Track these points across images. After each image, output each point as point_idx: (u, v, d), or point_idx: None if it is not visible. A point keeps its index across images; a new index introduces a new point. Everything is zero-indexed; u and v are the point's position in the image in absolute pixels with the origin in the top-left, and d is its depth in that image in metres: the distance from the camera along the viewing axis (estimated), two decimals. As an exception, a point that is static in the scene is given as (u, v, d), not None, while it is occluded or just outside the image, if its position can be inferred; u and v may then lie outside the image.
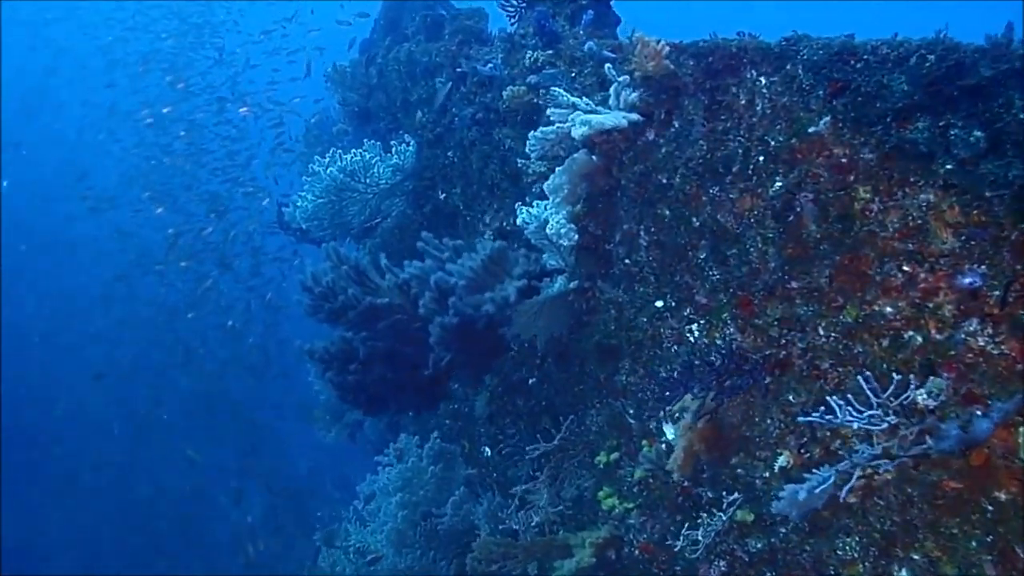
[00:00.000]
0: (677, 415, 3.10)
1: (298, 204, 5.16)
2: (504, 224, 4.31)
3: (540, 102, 3.68)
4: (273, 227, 6.33)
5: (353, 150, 4.98)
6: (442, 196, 4.96)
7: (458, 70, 4.49)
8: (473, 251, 3.51)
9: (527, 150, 3.20)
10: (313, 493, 10.24)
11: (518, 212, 3.41)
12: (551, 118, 3.06)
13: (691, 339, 2.95)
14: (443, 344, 3.25)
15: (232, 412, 11.57)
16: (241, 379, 11.71)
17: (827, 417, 2.08)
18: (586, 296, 3.52)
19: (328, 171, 4.92)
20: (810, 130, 2.42)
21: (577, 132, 2.80)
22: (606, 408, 3.59)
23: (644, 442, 3.35)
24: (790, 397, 2.56)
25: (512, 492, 4.65)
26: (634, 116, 2.78)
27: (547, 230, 3.16)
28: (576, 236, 3.17)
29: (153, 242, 12.49)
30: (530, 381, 4.28)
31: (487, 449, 5.05)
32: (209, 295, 10.72)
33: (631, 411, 3.41)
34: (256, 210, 9.97)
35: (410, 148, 5.15)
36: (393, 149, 5.14)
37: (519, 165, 3.78)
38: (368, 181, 5.10)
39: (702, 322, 2.90)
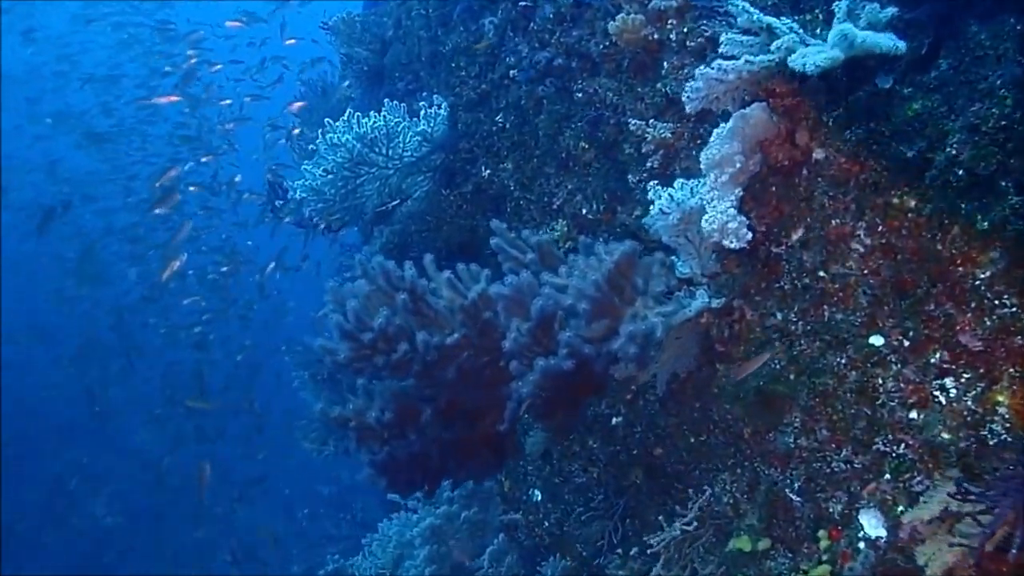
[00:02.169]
0: (894, 501, 2.06)
1: (299, 183, 4.03)
2: (584, 211, 3.23)
3: (665, 38, 2.60)
4: (263, 217, 5.18)
5: (373, 113, 3.86)
6: (485, 173, 3.86)
7: (521, 3, 3.38)
8: (578, 254, 2.42)
9: (685, 95, 2.11)
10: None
11: (653, 196, 2.34)
12: (725, 48, 1.98)
13: (941, 400, 1.90)
14: (541, 393, 2.18)
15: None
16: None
17: None
18: (730, 319, 2.46)
19: (343, 138, 3.79)
20: None
21: (818, 58, 1.71)
22: (748, 474, 2.55)
23: (820, 533, 2.31)
24: None
25: (581, 555, 3.64)
26: (901, 44, 1.71)
27: (704, 224, 2.09)
28: (749, 235, 2.10)
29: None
30: (614, 420, 3.23)
31: (537, 492, 4.01)
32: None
33: (796, 485, 2.36)
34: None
35: (441, 112, 4.04)
36: (421, 113, 4.03)
37: (629, 127, 2.70)
38: (390, 153, 3.98)
39: (967, 376, 1.85)
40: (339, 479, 10.45)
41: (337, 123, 3.86)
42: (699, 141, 2.69)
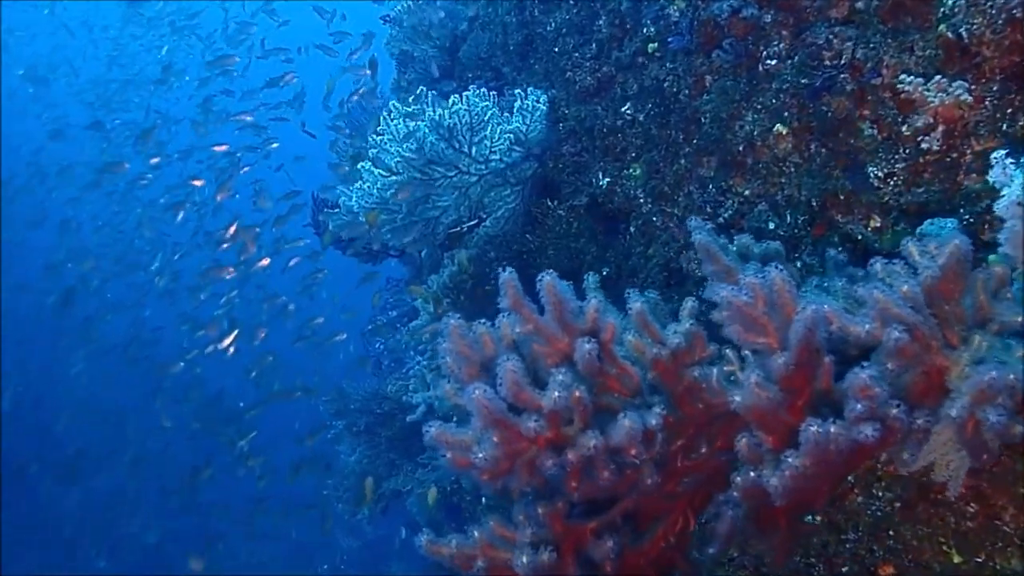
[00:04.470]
0: None
1: (355, 188, 3.06)
2: (772, 225, 2.25)
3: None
4: (306, 228, 4.22)
5: (454, 96, 2.93)
6: (603, 182, 2.89)
7: None
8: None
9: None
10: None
11: (1002, 177, 1.36)
12: None
13: None
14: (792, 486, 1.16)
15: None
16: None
17: None
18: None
19: (415, 126, 2.85)
20: None
21: None
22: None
23: None
24: None
25: None
26: None
27: None
28: None
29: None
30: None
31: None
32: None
33: None
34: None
35: (540, 105, 3.11)
36: (516, 106, 3.10)
37: (880, 94, 1.74)
38: (474, 152, 3.03)
39: None
40: (362, 531, 9.24)
41: (407, 106, 2.93)
42: (1011, 110, 1.72)
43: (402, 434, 4.97)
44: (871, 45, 1.94)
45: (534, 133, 3.16)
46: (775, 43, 2.23)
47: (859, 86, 1.95)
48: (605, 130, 2.87)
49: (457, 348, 1.50)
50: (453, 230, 3.39)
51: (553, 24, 3.20)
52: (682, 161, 2.61)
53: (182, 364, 6.81)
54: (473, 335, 1.52)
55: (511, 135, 3.08)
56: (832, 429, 1.26)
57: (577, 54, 2.99)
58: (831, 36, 2.02)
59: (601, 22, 2.93)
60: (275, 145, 6.19)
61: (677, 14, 2.54)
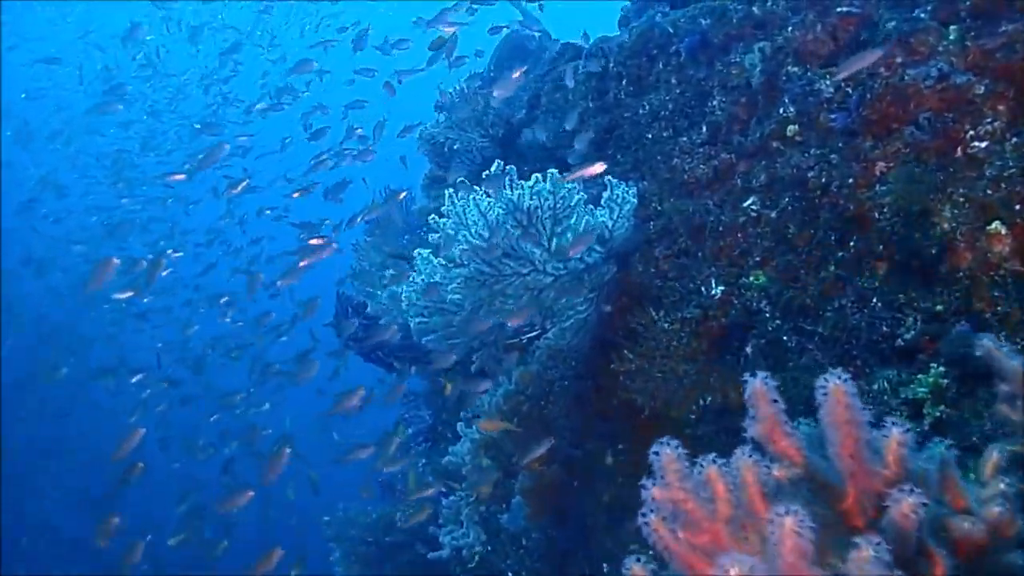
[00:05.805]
0: None
1: (405, 287, 2.49)
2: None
3: None
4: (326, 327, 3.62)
5: (536, 176, 2.42)
6: (716, 290, 2.34)
7: (843, 7, 2.01)
8: None
9: None
10: None
11: None
12: None
13: None
14: None
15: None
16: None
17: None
18: None
19: (488, 205, 2.32)
20: None
21: None
22: None
23: None
24: None
25: None
26: None
27: None
28: None
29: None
30: None
31: None
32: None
33: None
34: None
35: (630, 197, 2.60)
36: (604, 196, 2.59)
37: None
38: (554, 246, 2.49)
39: None
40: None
41: (476, 190, 2.40)
42: None
43: (411, 571, 4.24)
44: None
45: (620, 230, 2.63)
46: (988, 121, 1.74)
47: None
48: (721, 228, 2.35)
49: (674, 495, 0.89)
50: (511, 340, 2.81)
51: (647, 108, 2.74)
52: (832, 267, 2.07)
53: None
54: (696, 477, 0.92)
55: (598, 228, 2.56)
56: None
57: (685, 139, 2.51)
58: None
59: (715, 103, 2.46)
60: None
61: (831, 90, 2.07)
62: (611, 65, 2.94)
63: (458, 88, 3.70)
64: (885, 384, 1.92)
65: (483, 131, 3.76)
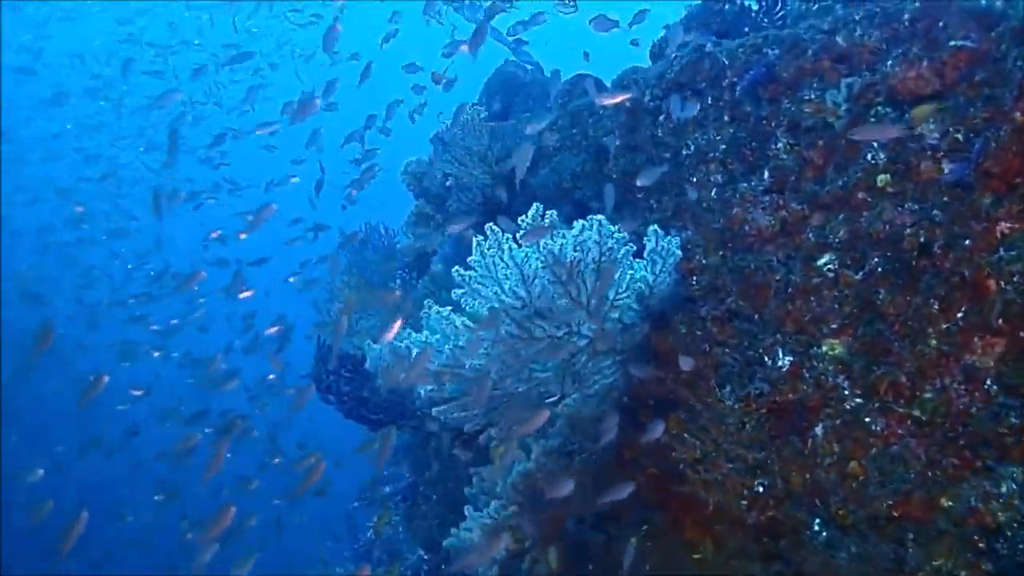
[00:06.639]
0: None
1: (414, 339, 2.12)
2: None
3: None
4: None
5: (582, 222, 2.08)
6: (783, 361, 2.02)
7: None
8: None
9: None
10: None
11: None
12: None
13: None
14: None
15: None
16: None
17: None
18: None
19: (524, 256, 1.97)
20: None
21: None
22: None
23: None
24: None
25: None
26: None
27: None
28: None
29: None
30: None
31: None
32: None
33: None
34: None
35: (674, 250, 2.27)
36: (647, 247, 2.26)
37: None
38: (591, 304, 2.14)
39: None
40: None
41: (501, 241, 2.05)
42: None
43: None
44: None
45: (661, 286, 2.30)
46: None
47: None
48: (790, 290, 2.03)
49: None
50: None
51: (692, 147, 2.43)
52: (933, 342, 1.77)
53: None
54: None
55: (639, 285, 2.23)
56: None
57: (745, 184, 2.20)
58: None
59: (780, 145, 2.16)
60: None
61: (936, 137, 1.78)
62: (647, 99, 2.63)
63: (462, 119, 3.36)
64: (1014, 486, 1.61)
65: (487, 167, 3.42)
